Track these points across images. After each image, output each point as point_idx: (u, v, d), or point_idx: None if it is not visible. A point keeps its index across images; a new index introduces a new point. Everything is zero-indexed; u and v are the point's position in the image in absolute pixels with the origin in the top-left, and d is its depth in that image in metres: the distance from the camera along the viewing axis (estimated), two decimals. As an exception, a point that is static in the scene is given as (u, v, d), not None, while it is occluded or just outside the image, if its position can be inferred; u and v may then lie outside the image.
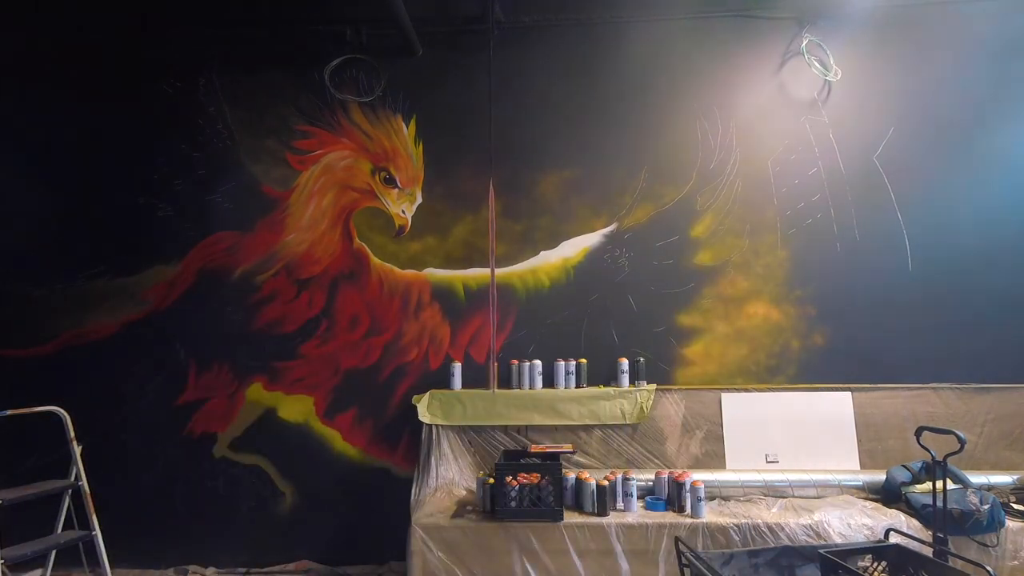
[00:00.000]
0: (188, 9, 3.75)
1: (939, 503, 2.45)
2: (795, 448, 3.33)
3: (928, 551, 2.29)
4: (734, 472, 3.24)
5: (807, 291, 3.54)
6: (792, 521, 2.79)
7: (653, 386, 3.44)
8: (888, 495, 3.05)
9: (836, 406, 3.39)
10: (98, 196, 3.75)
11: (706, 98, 3.63)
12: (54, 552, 3.22)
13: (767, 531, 2.77)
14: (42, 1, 3.76)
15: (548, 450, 3.25)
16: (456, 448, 3.43)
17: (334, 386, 3.64)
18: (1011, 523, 2.76)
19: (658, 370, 3.54)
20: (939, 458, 2.45)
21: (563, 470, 3.01)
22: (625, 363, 3.46)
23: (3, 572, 2.77)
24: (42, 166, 3.77)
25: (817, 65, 3.53)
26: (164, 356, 3.68)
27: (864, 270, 3.51)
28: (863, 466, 3.28)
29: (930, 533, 2.55)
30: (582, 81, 3.66)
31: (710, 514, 2.90)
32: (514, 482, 2.89)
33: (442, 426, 3.43)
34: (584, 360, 3.50)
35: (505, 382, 3.52)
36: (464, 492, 3.26)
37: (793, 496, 3.12)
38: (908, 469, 3.04)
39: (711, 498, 3.10)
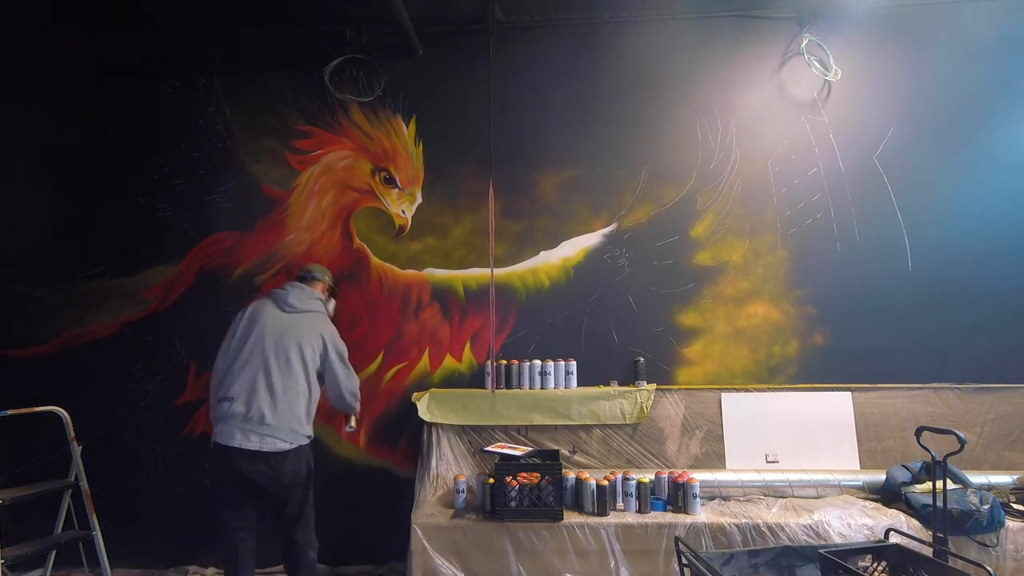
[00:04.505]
0: (188, 9, 3.75)
1: (939, 503, 2.44)
2: (795, 448, 3.33)
3: (928, 551, 2.29)
4: (734, 472, 3.24)
5: (807, 291, 3.54)
6: (792, 521, 2.79)
7: (653, 386, 3.44)
8: (888, 495, 3.05)
9: (836, 406, 3.39)
10: (98, 196, 3.75)
11: (706, 98, 3.63)
12: (54, 552, 3.22)
13: (767, 531, 2.77)
14: (41, 2, 3.76)
15: (503, 449, 3.11)
16: (456, 448, 3.43)
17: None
18: (1011, 523, 2.76)
19: (658, 370, 3.54)
20: (939, 458, 2.45)
21: (563, 470, 3.01)
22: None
23: (3, 572, 2.77)
24: (42, 166, 3.77)
25: (817, 65, 3.53)
26: (164, 356, 3.68)
27: (864, 270, 3.51)
28: (863, 466, 3.28)
29: (930, 533, 2.55)
30: (582, 81, 3.66)
31: (710, 514, 2.90)
32: (514, 482, 2.89)
33: (442, 426, 3.43)
34: (584, 360, 3.49)
35: (505, 382, 3.52)
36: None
37: (793, 496, 3.12)
38: (908, 469, 3.04)
39: (711, 498, 3.11)
